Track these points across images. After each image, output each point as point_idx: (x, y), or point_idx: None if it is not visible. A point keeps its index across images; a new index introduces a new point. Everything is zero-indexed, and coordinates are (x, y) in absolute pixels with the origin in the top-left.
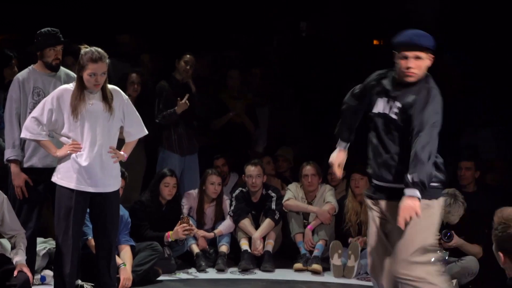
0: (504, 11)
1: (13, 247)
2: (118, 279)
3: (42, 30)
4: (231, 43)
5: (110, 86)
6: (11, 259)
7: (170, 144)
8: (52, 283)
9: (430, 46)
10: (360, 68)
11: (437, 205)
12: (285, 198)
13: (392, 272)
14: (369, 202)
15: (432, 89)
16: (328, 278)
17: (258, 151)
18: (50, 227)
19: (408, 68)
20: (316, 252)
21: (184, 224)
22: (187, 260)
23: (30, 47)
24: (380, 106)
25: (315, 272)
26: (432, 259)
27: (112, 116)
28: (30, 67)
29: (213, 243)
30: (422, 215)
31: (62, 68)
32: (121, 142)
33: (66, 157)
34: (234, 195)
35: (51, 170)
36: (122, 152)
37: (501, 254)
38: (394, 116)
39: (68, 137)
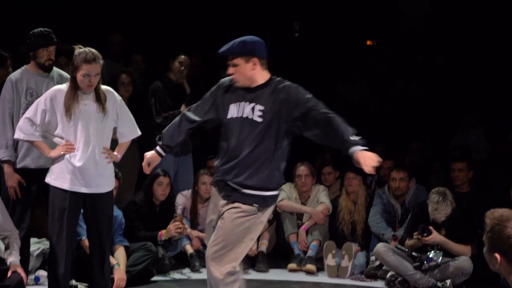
0: (494, 11)
1: (6, 248)
2: (112, 280)
3: (35, 30)
4: (223, 43)
5: (103, 87)
6: (4, 259)
7: None
8: (46, 283)
9: (237, 52)
10: (353, 69)
11: (263, 216)
12: (278, 199)
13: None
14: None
15: (280, 82)
16: (322, 278)
17: None
18: (44, 228)
19: (230, 75)
20: (310, 253)
21: (177, 223)
22: (181, 261)
23: (22, 47)
24: (235, 111)
25: (309, 272)
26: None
27: (106, 117)
28: (23, 68)
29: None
30: (244, 220)
31: (55, 68)
32: (114, 143)
33: (59, 158)
34: None
35: (44, 171)
36: (115, 153)
37: (497, 256)
38: (258, 119)
39: (62, 138)
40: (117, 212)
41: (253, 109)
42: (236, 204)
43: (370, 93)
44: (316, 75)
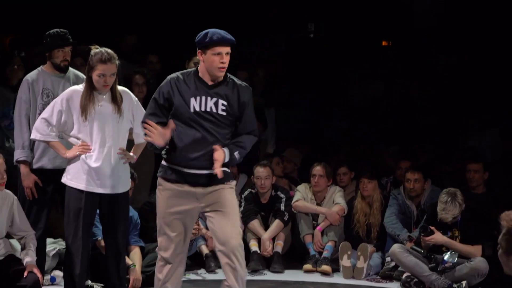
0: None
1: (23, 248)
2: (128, 280)
3: (51, 31)
4: (238, 44)
5: (119, 88)
6: (21, 260)
7: None
8: (62, 283)
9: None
10: (367, 69)
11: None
12: (294, 199)
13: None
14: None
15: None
16: (337, 279)
17: (268, 152)
18: (60, 228)
19: (223, 63)
20: (325, 253)
21: None
22: (197, 261)
23: (38, 47)
24: (197, 105)
25: (324, 273)
26: None
27: (121, 117)
28: (39, 68)
29: None
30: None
31: (71, 69)
32: (130, 144)
33: (75, 158)
34: (243, 196)
35: (60, 171)
36: (131, 154)
37: None
38: (222, 112)
39: (78, 138)
40: (133, 213)
41: (216, 103)
42: (219, 186)
43: (386, 94)
44: (331, 75)
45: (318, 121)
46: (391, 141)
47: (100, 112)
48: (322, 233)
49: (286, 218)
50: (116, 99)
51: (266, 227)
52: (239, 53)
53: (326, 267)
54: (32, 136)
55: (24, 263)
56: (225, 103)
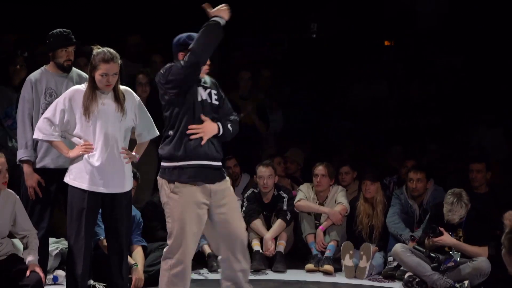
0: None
1: (25, 247)
2: (130, 279)
3: (54, 31)
4: (241, 44)
5: (122, 87)
6: (23, 259)
7: None
8: (65, 283)
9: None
10: (370, 69)
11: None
12: (296, 199)
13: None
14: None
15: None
16: (339, 279)
17: (270, 152)
18: (62, 228)
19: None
20: (327, 253)
21: None
22: (199, 261)
23: (42, 47)
24: (202, 94)
25: (326, 273)
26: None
27: (124, 117)
28: (42, 68)
29: None
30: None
31: (74, 68)
32: (133, 143)
33: (78, 158)
34: (245, 195)
35: (63, 171)
36: (134, 153)
37: None
38: (216, 102)
39: (80, 138)
40: (135, 212)
41: (209, 94)
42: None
43: (388, 94)
44: (333, 75)
45: (321, 121)
46: (394, 141)
47: (102, 112)
48: (325, 232)
49: (288, 217)
50: (118, 99)
51: (268, 227)
52: (242, 53)
53: (328, 267)
54: (35, 136)
55: (27, 263)
56: (215, 92)
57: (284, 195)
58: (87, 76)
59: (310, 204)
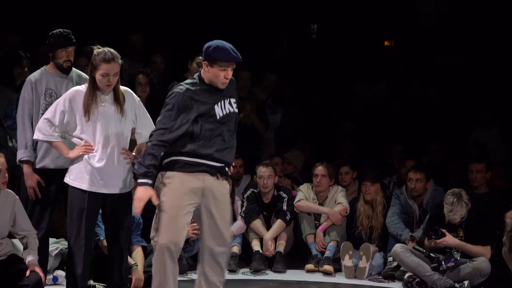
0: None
1: (25, 248)
2: (130, 280)
3: (54, 31)
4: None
5: (122, 88)
6: (23, 259)
7: None
8: (65, 283)
9: None
10: (371, 69)
11: None
12: (296, 199)
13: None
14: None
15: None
16: (339, 279)
17: (270, 152)
18: (62, 228)
19: (227, 78)
20: (327, 253)
21: (194, 224)
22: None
23: (42, 48)
24: (221, 110)
25: (326, 273)
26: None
27: (124, 118)
28: (42, 68)
29: None
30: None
31: (74, 69)
32: (133, 143)
33: (78, 159)
34: (245, 196)
35: (63, 171)
36: (134, 154)
37: None
38: (236, 110)
39: (80, 138)
40: None
41: (230, 103)
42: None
43: (388, 94)
44: (334, 76)
45: (321, 121)
46: (394, 141)
47: (103, 112)
48: (324, 233)
49: (288, 218)
50: (118, 99)
51: (268, 227)
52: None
53: (328, 267)
54: (35, 137)
55: (26, 263)
56: (234, 100)
57: (284, 195)
58: (87, 76)
59: (310, 204)
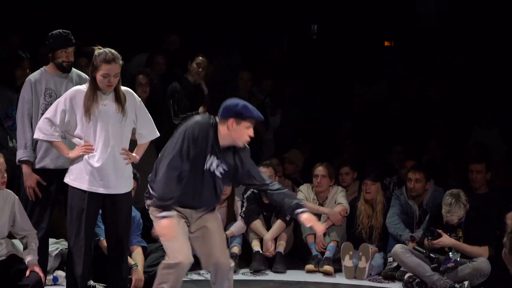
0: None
1: (25, 248)
2: (130, 280)
3: (54, 32)
4: (243, 45)
5: (123, 88)
6: (23, 259)
7: None
8: (65, 283)
9: None
10: (371, 69)
11: None
12: None
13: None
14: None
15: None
16: (339, 279)
17: (270, 152)
18: (62, 228)
19: (250, 136)
20: (327, 253)
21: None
22: (199, 261)
23: (42, 48)
24: (213, 163)
25: (326, 273)
26: None
27: (125, 118)
28: (42, 69)
29: None
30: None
31: (74, 69)
32: (133, 144)
33: (78, 159)
34: (245, 196)
35: (63, 171)
36: (134, 154)
37: None
38: (219, 175)
39: (81, 138)
40: (135, 213)
41: (218, 166)
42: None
43: (388, 94)
44: (334, 76)
45: (321, 121)
46: (395, 141)
47: (103, 112)
48: (324, 233)
49: (288, 218)
50: (119, 99)
51: (268, 227)
52: (243, 55)
53: (328, 267)
54: (36, 136)
55: (26, 263)
56: (226, 168)
57: None
58: (87, 76)
59: (310, 204)
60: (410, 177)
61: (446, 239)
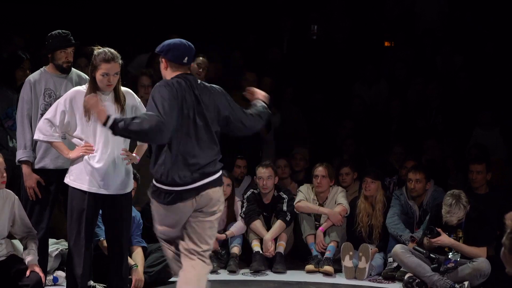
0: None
1: (25, 248)
2: (130, 280)
3: (53, 32)
4: (240, 45)
5: (122, 88)
6: (23, 259)
7: None
8: (65, 284)
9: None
10: (371, 70)
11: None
12: (296, 200)
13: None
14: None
15: None
16: (339, 279)
17: (270, 153)
18: (62, 228)
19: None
20: (327, 254)
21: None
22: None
23: (42, 49)
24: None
25: (326, 274)
26: None
27: None
28: (42, 69)
29: (224, 244)
30: None
31: (73, 69)
32: (133, 144)
33: (78, 159)
34: (245, 196)
35: (62, 171)
36: (134, 154)
37: None
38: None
39: (81, 139)
40: (135, 213)
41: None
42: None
43: (388, 94)
44: (334, 76)
45: (321, 121)
46: (394, 141)
47: None
48: (324, 233)
49: (288, 218)
50: (119, 99)
51: (268, 228)
52: (242, 54)
53: (328, 268)
54: (36, 137)
55: (26, 263)
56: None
57: (284, 196)
58: (87, 77)
59: (310, 205)
60: (410, 177)
61: (445, 238)
